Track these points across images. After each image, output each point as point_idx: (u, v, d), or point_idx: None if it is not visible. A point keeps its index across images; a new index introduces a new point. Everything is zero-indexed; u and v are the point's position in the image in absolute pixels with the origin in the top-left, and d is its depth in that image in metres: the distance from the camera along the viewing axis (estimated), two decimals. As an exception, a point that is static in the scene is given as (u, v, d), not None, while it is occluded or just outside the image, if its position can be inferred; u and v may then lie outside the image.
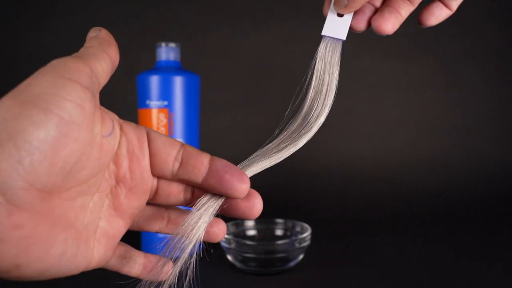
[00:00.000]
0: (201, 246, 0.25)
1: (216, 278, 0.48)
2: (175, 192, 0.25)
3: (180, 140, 0.54)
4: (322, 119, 0.28)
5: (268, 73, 0.96)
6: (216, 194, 0.25)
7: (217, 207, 0.25)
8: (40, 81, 0.18)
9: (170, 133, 0.54)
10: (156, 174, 0.24)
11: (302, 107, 0.30)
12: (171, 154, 0.24)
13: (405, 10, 0.30)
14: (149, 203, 0.26)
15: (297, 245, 0.49)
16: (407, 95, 0.97)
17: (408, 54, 0.96)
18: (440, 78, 0.96)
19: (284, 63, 0.95)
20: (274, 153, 0.27)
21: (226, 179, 0.24)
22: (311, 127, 0.28)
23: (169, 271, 0.25)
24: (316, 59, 0.30)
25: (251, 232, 0.57)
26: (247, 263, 0.49)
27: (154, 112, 0.53)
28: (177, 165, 0.24)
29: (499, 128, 0.95)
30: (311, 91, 0.30)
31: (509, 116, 0.95)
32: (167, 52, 0.55)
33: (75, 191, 0.21)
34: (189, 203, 0.25)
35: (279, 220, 0.57)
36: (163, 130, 0.54)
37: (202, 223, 0.24)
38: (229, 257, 0.51)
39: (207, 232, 0.25)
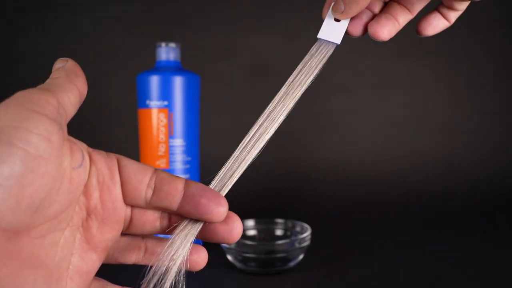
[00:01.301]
0: (182, 276, 0.24)
1: (216, 278, 0.48)
2: (150, 220, 0.24)
3: (180, 140, 0.54)
4: (287, 110, 0.29)
5: (268, 73, 0.96)
6: (194, 219, 0.24)
7: (196, 233, 0.24)
8: (3, 113, 0.17)
9: (170, 133, 0.54)
10: (129, 203, 0.23)
11: (273, 98, 0.30)
12: (143, 181, 0.23)
13: (403, 18, 0.30)
14: (123, 233, 0.25)
15: (297, 245, 0.49)
16: (409, 95, 0.97)
17: (410, 54, 0.96)
18: (442, 78, 0.96)
19: (284, 63, 0.95)
20: (243, 155, 0.27)
21: (202, 204, 0.23)
22: (278, 117, 0.29)
23: None
24: (304, 59, 0.30)
25: (251, 232, 0.57)
26: (247, 263, 0.49)
27: (154, 112, 0.54)
28: (150, 192, 0.23)
29: (500, 128, 0.95)
30: (287, 82, 0.31)
31: (510, 116, 0.95)
32: (167, 52, 0.55)
33: (45, 228, 0.19)
34: (166, 230, 0.24)
35: (279, 220, 0.57)
36: (163, 130, 0.54)
37: (181, 251, 0.23)
38: (229, 257, 0.51)
39: (188, 260, 0.24)
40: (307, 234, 0.50)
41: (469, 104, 0.96)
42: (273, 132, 0.28)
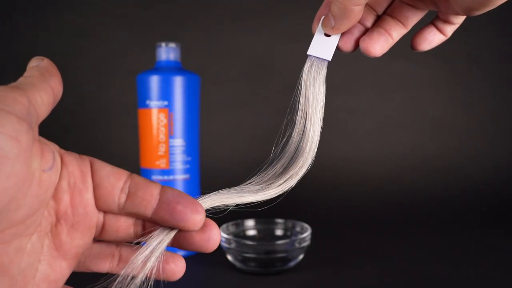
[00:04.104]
0: (151, 285, 0.23)
1: (216, 278, 0.49)
2: (124, 226, 0.23)
3: (180, 140, 0.54)
4: (308, 163, 0.28)
5: (268, 73, 0.96)
6: (168, 226, 0.23)
7: (168, 241, 0.23)
8: None
9: (170, 133, 0.54)
10: (101, 208, 0.22)
11: (290, 138, 0.29)
12: (117, 185, 0.22)
13: (397, 33, 0.29)
14: (96, 240, 0.23)
15: (297, 245, 0.49)
16: (409, 95, 0.97)
17: (410, 54, 0.96)
18: (442, 78, 0.96)
19: (284, 63, 0.95)
20: (248, 192, 0.25)
21: (178, 211, 0.22)
22: (297, 172, 0.27)
23: None
24: (301, 81, 0.29)
25: (251, 232, 0.57)
26: (247, 263, 0.49)
27: (154, 112, 0.54)
28: (124, 197, 0.22)
29: (500, 128, 0.95)
30: (298, 119, 0.29)
31: (510, 116, 0.95)
32: (167, 52, 0.55)
33: (10, 233, 0.18)
34: (140, 237, 0.23)
35: (279, 220, 0.57)
36: (163, 130, 0.54)
37: (153, 259, 0.22)
38: (229, 257, 0.51)
39: (163, 269, 0.23)
40: (307, 234, 0.50)
41: (468, 104, 0.96)
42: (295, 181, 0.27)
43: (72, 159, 0.21)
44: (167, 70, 0.54)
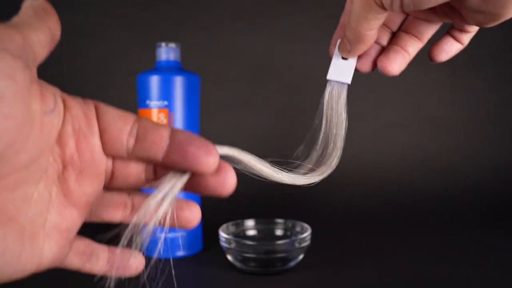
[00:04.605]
0: (165, 232, 0.22)
1: (216, 278, 0.48)
2: (135, 172, 0.22)
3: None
4: (328, 172, 0.29)
5: (268, 73, 0.96)
6: (180, 170, 0.21)
7: (181, 186, 0.22)
8: None
9: (170, 133, 0.54)
10: (110, 153, 0.21)
11: (311, 156, 0.29)
12: (125, 129, 0.21)
13: (413, 48, 0.29)
14: (107, 188, 0.23)
15: (297, 245, 0.49)
16: (409, 96, 0.97)
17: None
18: (442, 79, 0.96)
19: (284, 63, 0.95)
20: (267, 166, 0.25)
21: (191, 153, 0.20)
22: (317, 176, 0.29)
23: (137, 265, 0.23)
24: (323, 105, 0.30)
25: (251, 232, 0.57)
26: (247, 263, 0.49)
27: (154, 112, 0.53)
28: (132, 141, 0.21)
29: (500, 128, 0.95)
30: (320, 139, 0.30)
31: (510, 117, 0.95)
32: (167, 52, 0.55)
33: (14, 179, 0.18)
34: (152, 183, 0.22)
35: (279, 220, 0.57)
36: (163, 130, 0.54)
37: (166, 205, 0.21)
38: (229, 257, 0.51)
39: (178, 217, 0.22)
40: (307, 234, 0.50)
41: (468, 105, 0.96)
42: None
43: (75, 103, 0.21)
44: (167, 70, 0.54)
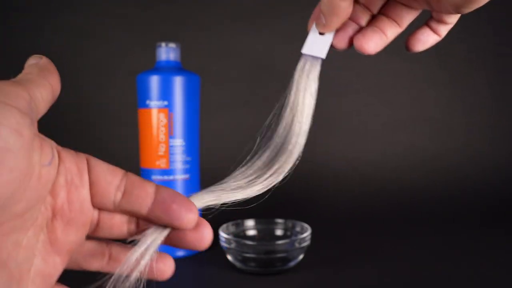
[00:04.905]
0: (143, 284, 0.23)
1: (216, 278, 0.48)
2: (118, 224, 0.23)
3: (180, 140, 0.54)
4: (296, 155, 0.28)
5: (268, 73, 0.96)
6: (161, 225, 0.23)
7: (161, 240, 0.23)
8: None
9: (170, 133, 0.54)
10: (97, 205, 0.22)
11: (276, 132, 0.29)
12: (113, 183, 0.22)
13: (391, 32, 0.29)
14: (88, 237, 0.24)
15: (297, 245, 0.49)
16: (409, 96, 0.97)
17: (410, 55, 0.96)
18: (442, 79, 0.96)
19: (284, 63, 0.95)
20: (236, 189, 0.26)
21: (173, 209, 0.22)
22: (283, 165, 0.27)
23: None
24: (294, 77, 0.29)
25: (251, 232, 0.57)
26: (247, 263, 0.49)
27: (154, 112, 0.54)
28: (119, 195, 0.22)
29: (500, 128, 0.95)
30: (286, 113, 0.29)
31: (510, 117, 0.95)
32: (167, 52, 0.55)
33: (9, 227, 0.18)
34: (133, 235, 0.24)
35: (279, 220, 0.57)
36: (163, 130, 0.54)
37: (147, 257, 0.22)
38: (229, 257, 0.51)
39: (151, 269, 0.23)
40: (307, 234, 0.50)
41: (468, 105, 0.96)
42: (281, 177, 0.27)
43: (69, 155, 0.22)
44: (167, 70, 0.54)
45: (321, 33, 0.29)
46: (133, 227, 0.24)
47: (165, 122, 0.53)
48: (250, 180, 0.26)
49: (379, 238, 0.63)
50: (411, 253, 0.56)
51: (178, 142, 0.54)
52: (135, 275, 0.22)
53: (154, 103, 0.53)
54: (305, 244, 0.49)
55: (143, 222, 0.23)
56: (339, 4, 0.26)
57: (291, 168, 0.28)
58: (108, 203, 0.22)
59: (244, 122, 0.95)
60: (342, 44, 0.29)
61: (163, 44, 0.55)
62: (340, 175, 0.90)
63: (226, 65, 0.95)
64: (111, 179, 0.22)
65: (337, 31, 0.29)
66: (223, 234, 0.50)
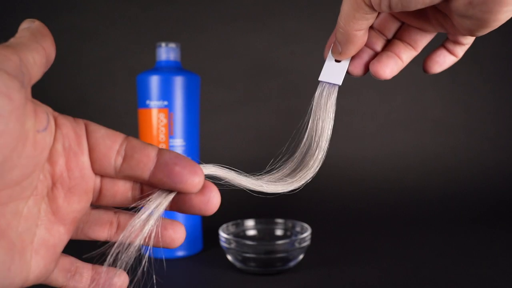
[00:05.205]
0: (148, 251, 0.23)
1: (216, 278, 0.48)
2: (122, 190, 0.23)
3: (180, 140, 0.54)
4: (310, 175, 0.28)
5: (268, 73, 0.96)
6: (166, 190, 0.22)
7: (166, 204, 0.22)
8: None
9: (170, 133, 0.54)
10: (98, 171, 0.22)
11: (295, 153, 0.29)
12: (113, 147, 0.21)
13: (407, 56, 0.29)
14: (93, 206, 0.23)
15: (297, 245, 0.49)
16: (410, 96, 0.97)
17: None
18: (443, 79, 0.96)
19: (284, 63, 0.95)
20: (250, 179, 0.25)
21: (176, 172, 0.21)
22: (298, 180, 0.28)
23: (121, 284, 0.23)
24: (312, 104, 0.30)
25: (251, 232, 0.57)
26: (247, 263, 0.49)
27: (154, 112, 0.54)
28: (120, 159, 0.21)
29: (500, 128, 0.95)
30: (305, 138, 0.30)
31: (510, 117, 0.95)
32: (167, 52, 0.55)
33: (6, 195, 0.18)
34: (138, 201, 0.23)
35: (279, 220, 0.57)
36: (163, 130, 0.54)
37: (151, 223, 0.22)
38: (229, 257, 0.51)
39: (162, 235, 0.23)
40: (307, 234, 0.50)
41: (468, 104, 0.96)
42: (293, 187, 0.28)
43: (66, 121, 0.21)
44: (167, 70, 0.54)
45: (337, 60, 0.30)
46: (137, 193, 0.23)
47: (165, 122, 0.53)
48: (263, 182, 0.26)
49: (379, 238, 0.63)
50: (411, 253, 0.56)
51: (178, 142, 0.54)
52: (139, 241, 0.22)
53: (154, 103, 0.53)
54: (305, 244, 0.49)
55: (148, 187, 0.23)
56: (355, 34, 0.27)
57: (306, 181, 0.28)
58: (109, 168, 0.22)
59: (244, 122, 0.95)
60: (358, 70, 0.30)
61: (163, 44, 0.55)
62: (340, 175, 0.90)
63: (226, 65, 0.95)
64: (111, 144, 0.21)
65: (353, 57, 0.30)
66: (223, 234, 0.50)
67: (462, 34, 0.26)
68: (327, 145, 0.29)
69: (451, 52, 0.30)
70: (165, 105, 0.53)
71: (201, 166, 0.23)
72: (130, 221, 0.22)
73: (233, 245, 0.49)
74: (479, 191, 0.85)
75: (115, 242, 0.22)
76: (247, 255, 0.48)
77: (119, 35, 0.94)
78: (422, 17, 0.28)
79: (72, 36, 0.94)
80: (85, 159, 0.21)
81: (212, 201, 0.22)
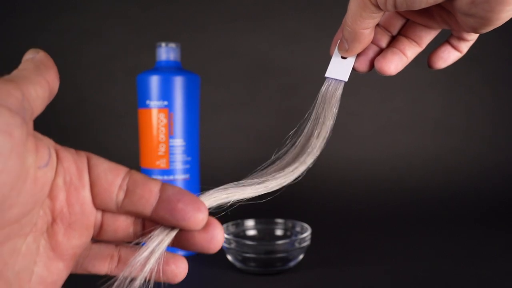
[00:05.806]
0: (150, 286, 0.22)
1: (216, 278, 0.48)
2: (123, 226, 0.22)
3: (180, 140, 0.54)
4: (310, 160, 0.28)
5: (268, 73, 0.96)
6: (169, 226, 0.21)
7: (168, 241, 0.21)
8: None
9: (170, 133, 0.54)
10: (99, 206, 0.21)
11: (296, 142, 0.30)
12: (115, 182, 0.21)
13: (412, 52, 0.30)
14: (94, 240, 0.22)
15: (297, 245, 0.49)
16: (410, 96, 0.97)
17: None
18: (443, 80, 0.96)
19: (284, 63, 0.95)
20: (252, 184, 0.25)
21: (179, 209, 0.20)
22: (298, 167, 0.28)
23: None
24: (317, 99, 0.31)
25: (251, 232, 0.57)
26: (247, 263, 0.49)
27: (154, 112, 0.54)
28: (122, 194, 0.21)
29: (500, 129, 0.95)
30: (307, 128, 0.30)
31: (510, 117, 0.95)
32: (167, 52, 0.55)
33: (4, 234, 0.17)
34: (140, 237, 0.22)
35: (279, 220, 0.57)
36: (163, 130, 0.54)
37: (153, 260, 0.21)
38: (229, 257, 0.51)
39: (163, 271, 0.22)
40: (307, 234, 0.50)
41: (468, 105, 0.96)
42: (293, 178, 0.28)
43: (68, 154, 0.20)
44: (167, 70, 0.54)
45: (343, 57, 0.30)
46: (139, 228, 0.22)
47: (165, 122, 0.53)
48: (265, 179, 0.26)
49: (379, 238, 0.63)
50: (411, 252, 0.56)
51: (178, 142, 0.54)
52: (140, 278, 0.21)
53: (154, 103, 0.53)
54: (305, 244, 0.49)
55: (150, 223, 0.22)
56: (362, 32, 0.27)
57: (306, 169, 0.28)
58: (110, 204, 0.21)
59: (244, 122, 0.95)
60: (363, 67, 0.30)
61: (163, 44, 0.55)
62: (340, 175, 0.90)
63: (226, 65, 0.95)
64: (113, 179, 0.21)
65: (358, 54, 0.30)
66: (223, 234, 0.50)
67: (466, 31, 0.27)
68: (328, 133, 0.29)
69: (455, 48, 0.30)
70: (165, 105, 0.53)
71: (203, 196, 0.23)
72: (131, 259, 0.21)
73: (233, 245, 0.49)
74: (479, 192, 0.85)
75: (115, 278, 0.21)
76: (247, 255, 0.48)
77: (119, 35, 0.94)
78: (427, 14, 0.28)
79: (72, 36, 0.94)
80: (86, 193, 0.21)
81: (216, 238, 0.21)
